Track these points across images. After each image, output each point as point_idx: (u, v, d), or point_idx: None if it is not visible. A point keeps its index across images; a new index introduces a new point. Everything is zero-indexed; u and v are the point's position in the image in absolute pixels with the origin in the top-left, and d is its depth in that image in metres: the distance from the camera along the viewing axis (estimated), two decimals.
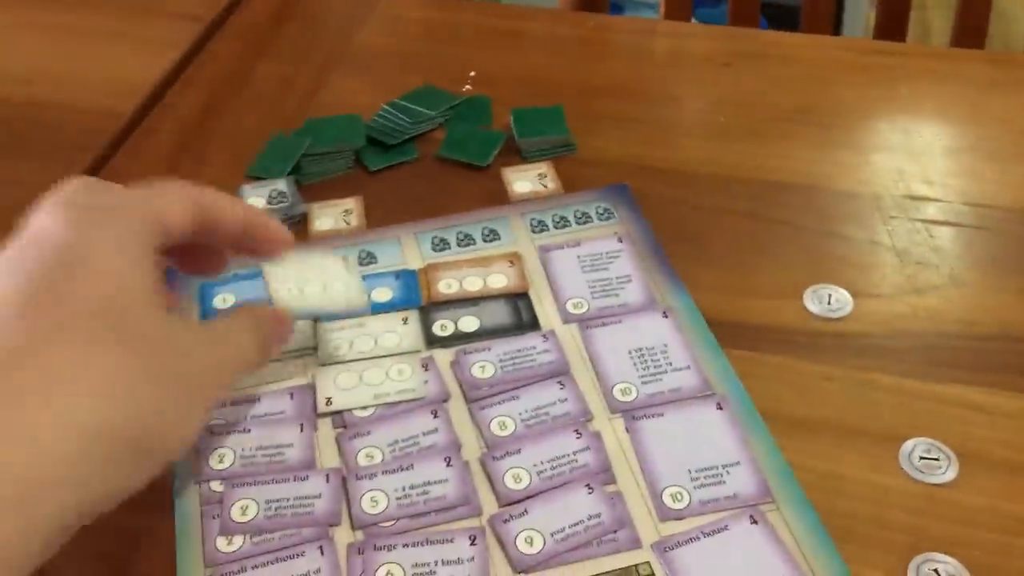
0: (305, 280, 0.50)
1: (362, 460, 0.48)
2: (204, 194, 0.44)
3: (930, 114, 0.68)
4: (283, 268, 0.49)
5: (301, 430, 0.49)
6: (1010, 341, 0.52)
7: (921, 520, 0.45)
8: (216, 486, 0.47)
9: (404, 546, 0.44)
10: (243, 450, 0.48)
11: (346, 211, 0.62)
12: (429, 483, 0.46)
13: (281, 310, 0.48)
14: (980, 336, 0.52)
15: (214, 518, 0.45)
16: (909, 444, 0.48)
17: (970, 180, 0.62)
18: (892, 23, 0.97)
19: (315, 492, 0.46)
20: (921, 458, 0.47)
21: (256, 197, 0.61)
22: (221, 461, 0.48)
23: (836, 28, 1.73)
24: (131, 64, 0.75)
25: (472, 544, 0.44)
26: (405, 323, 0.54)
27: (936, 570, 0.43)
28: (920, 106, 0.69)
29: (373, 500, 0.46)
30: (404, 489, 0.46)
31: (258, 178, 0.64)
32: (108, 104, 0.71)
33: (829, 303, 0.54)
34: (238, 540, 0.45)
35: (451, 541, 0.44)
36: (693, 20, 1.40)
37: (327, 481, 0.47)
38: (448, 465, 0.47)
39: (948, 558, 0.43)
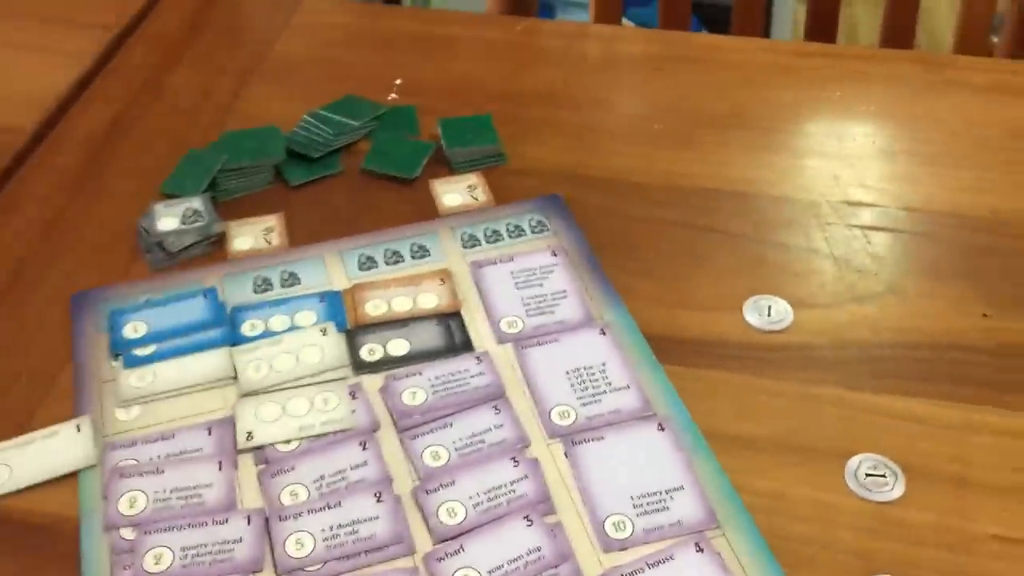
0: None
1: (286, 499, 0.45)
2: None
3: (864, 117, 0.67)
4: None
5: (220, 468, 0.46)
6: (949, 350, 0.51)
7: (870, 541, 0.43)
8: (127, 533, 0.43)
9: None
10: (156, 492, 0.45)
11: (267, 229, 0.59)
12: (358, 521, 0.43)
13: None
14: (920, 345, 0.51)
15: (125, 569, 0.42)
16: (855, 460, 0.46)
17: (906, 184, 0.61)
18: (821, 21, 0.96)
19: (235, 536, 0.43)
20: (867, 475, 0.46)
21: (170, 216, 0.58)
22: (132, 506, 0.44)
23: (766, 27, 1.73)
24: (36, 77, 0.71)
25: None
26: (324, 335, 0.51)
27: None
28: (853, 108, 0.68)
29: (299, 542, 0.43)
30: (332, 529, 0.43)
31: (172, 196, 0.60)
32: (9, 120, 0.67)
33: (769, 315, 0.53)
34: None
35: None
36: (624, 20, 1.39)
37: (248, 523, 0.44)
38: (379, 501, 0.44)
39: None
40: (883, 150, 0.64)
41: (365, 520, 0.44)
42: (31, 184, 0.63)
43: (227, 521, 0.44)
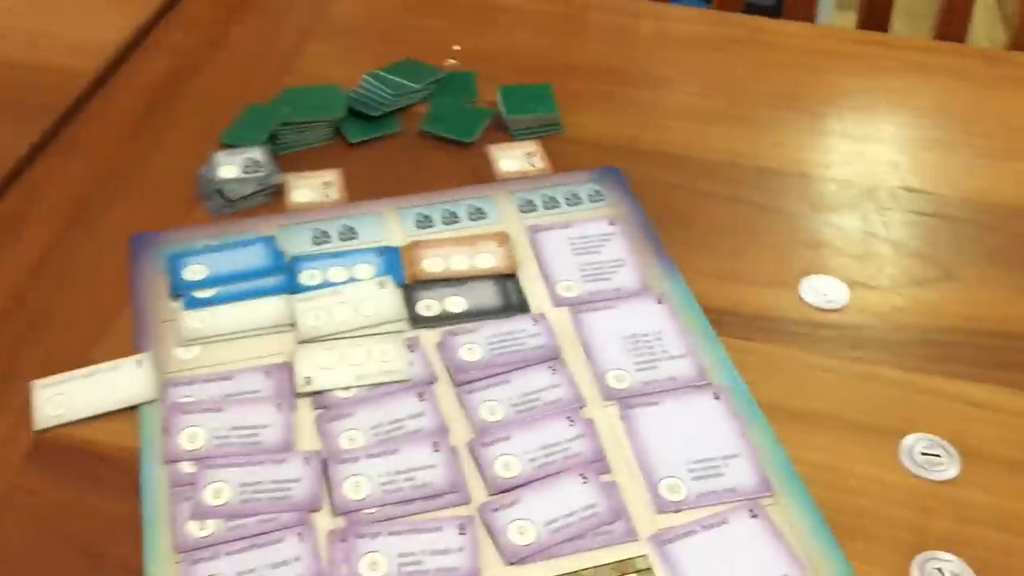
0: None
1: (343, 443, 0.45)
2: None
3: (922, 107, 0.67)
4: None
5: (278, 410, 0.46)
6: (1010, 338, 0.51)
7: (924, 517, 0.43)
8: (187, 467, 0.44)
9: (389, 534, 0.42)
10: (215, 429, 0.45)
11: (326, 183, 0.59)
12: (415, 468, 0.44)
13: None
14: (979, 332, 0.51)
15: (185, 501, 0.42)
16: (910, 439, 0.46)
17: (964, 175, 0.61)
18: (877, 12, 0.96)
19: (294, 476, 0.43)
20: (923, 454, 0.46)
21: (230, 165, 0.58)
22: (192, 441, 0.45)
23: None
24: (98, 22, 0.71)
25: (461, 533, 0.42)
26: (382, 288, 0.51)
27: (940, 569, 0.41)
28: (912, 98, 0.68)
29: (356, 485, 0.43)
30: (389, 474, 0.44)
31: (231, 146, 0.61)
32: (72, 64, 0.68)
33: (825, 293, 0.53)
34: (211, 525, 0.42)
35: (439, 530, 0.42)
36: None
37: (306, 464, 0.44)
38: (435, 450, 0.44)
39: (951, 556, 0.42)
40: (941, 140, 0.64)
41: (422, 468, 0.44)
42: (91, 128, 0.63)
43: (285, 461, 0.44)
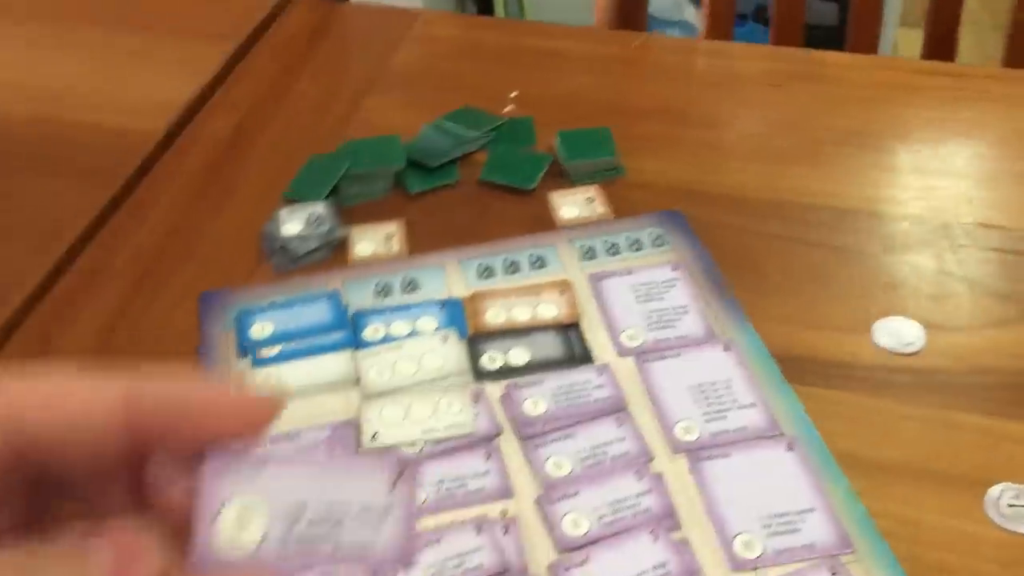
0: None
1: None
2: (13, 390, 0.25)
3: (993, 138, 0.65)
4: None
5: None
6: None
7: (1012, 572, 0.41)
8: None
9: None
10: None
11: (387, 235, 0.59)
12: (462, 554, 0.43)
13: (139, 530, 0.25)
14: None
15: None
16: (996, 490, 0.44)
17: None
18: (938, 46, 0.94)
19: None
20: (1009, 505, 0.44)
21: (294, 221, 0.59)
22: None
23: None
24: (162, 84, 0.73)
25: None
26: (445, 342, 0.51)
27: None
28: (982, 129, 0.66)
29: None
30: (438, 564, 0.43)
31: (295, 201, 0.61)
32: (138, 125, 0.69)
33: (901, 337, 0.51)
34: None
35: None
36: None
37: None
38: (479, 533, 0.43)
39: None
40: (1017, 173, 0.62)
41: (473, 550, 0.43)
42: (159, 188, 0.65)
43: None
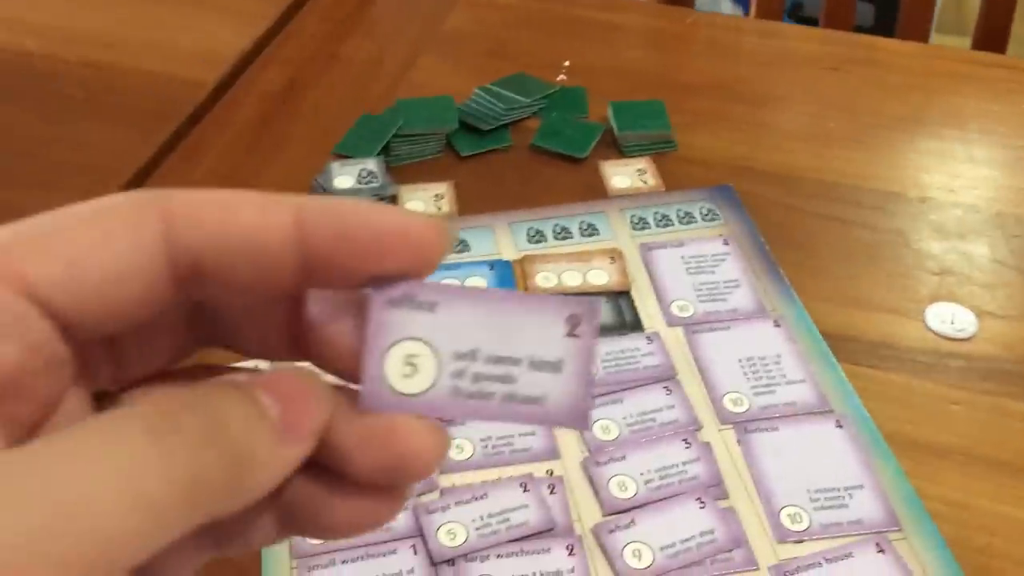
0: None
1: (453, 453, 0.45)
2: (191, 202, 0.22)
3: None
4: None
5: None
6: None
7: None
8: None
9: (498, 557, 0.41)
10: None
11: (437, 195, 0.59)
12: (508, 510, 0.43)
13: (307, 375, 0.22)
14: None
15: None
16: None
17: None
18: (990, 36, 0.93)
19: None
20: None
21: (345, 175, 0.59)
22: None
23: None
24: (215, 35, 0.73)
25: (571, 554, 0.41)
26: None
27: None
28: None
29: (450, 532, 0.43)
30: (483, 518, 0.43)
31: (346, 156, 0.61)
32: (190, 74, 0.69)
33: (952, 322, 0.51)
34: None
35: (548, 551, 0.42)
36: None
37: None
38: (525, 490, 0.43)
39: None
40: None
41: (515, 508, 0.43)
42: (212, 135, 0.65)
43: None
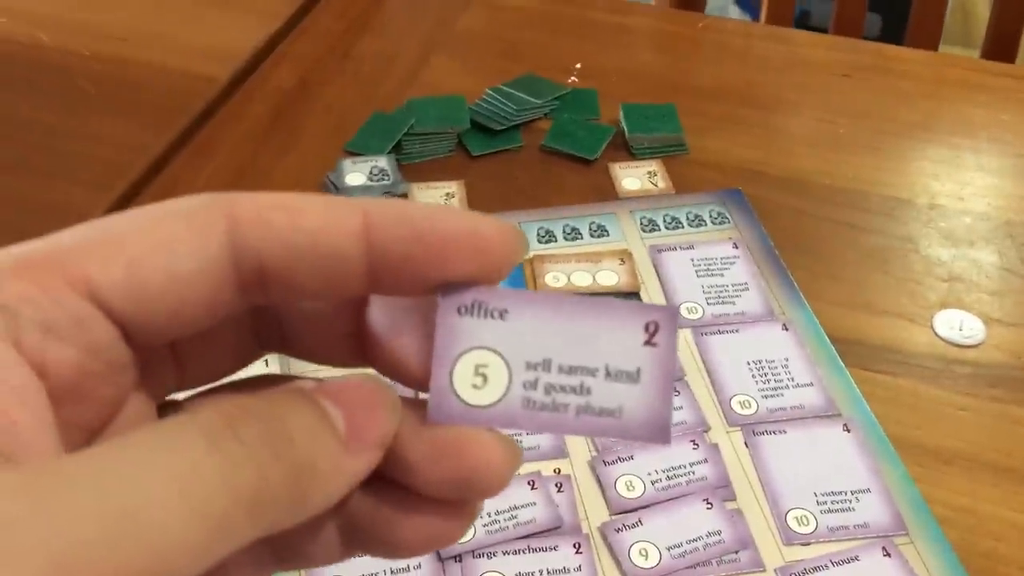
0: None
1: None
2: (255, 206, 0.21)
3: None
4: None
5: None
6: None
7: None
8: None
9: (505, 554, 0.41)
10: None
11: (448, 194, 0.59)
12: (516, 507, 0.43)
13: (374, 385, 0.21)
14: None
15: None
16: None
17: None
18: (1000, 45, 0.93)
19: None
20: None
21: (357, 172, 0.59)
22: None
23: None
24: (227, 31, 0.74)
25: (577, 553, 0.41)
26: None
27: None
28: None
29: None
30: (491, 515, 0.43)
31: (357, 154, 0.62)
32: (203, 70, 0.70)
33: (961, 329, 0.51)
34: None
35: (555, 549, 0.42)
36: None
37: None
38: (533, 488, 0.44)
39: None
40: None
41: (524, 506, 0.43)
42: (223, 131, 0.65)
43: None
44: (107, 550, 0.16)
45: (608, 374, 0.21)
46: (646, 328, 0.22)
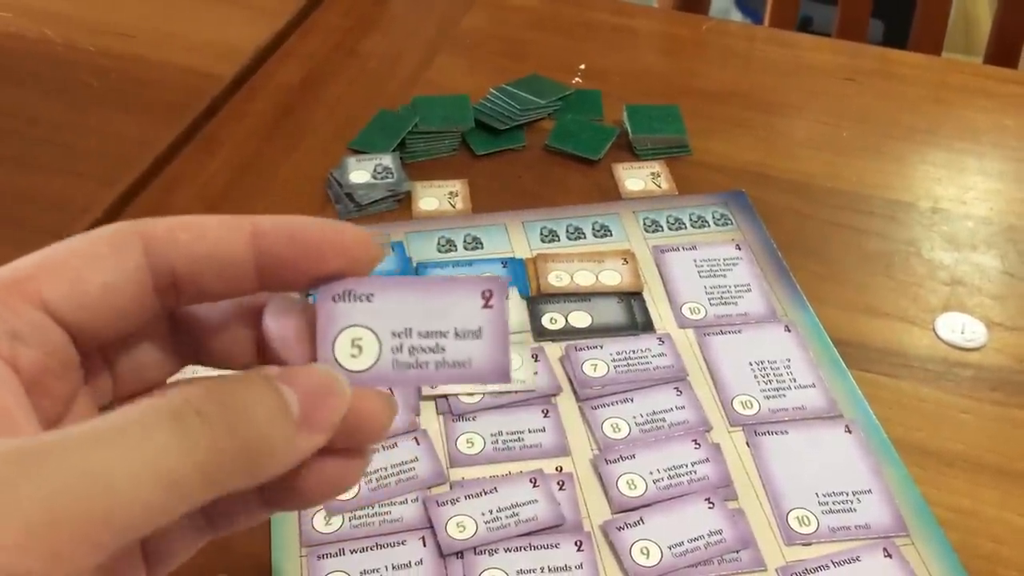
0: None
1: (462, 446, 0.45)
2: (163, 225, 0.27)
3: None
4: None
5: (404, 405, 0.46)
6: None
7: None
8: None
9: (506, 551, 0.41)
10: None
11: (451, 193, 0.59)
12: (518, 504, 0.43)
13: (329, 374, 0.26)
14: None
15: None
16: None
17: None
18: (1003, 52, 0.94)
19: (410, 456, 0.44)
20: None
21: (361, 170, 0.59)
22: None
23: None
24: (234, 28, 0.74)
25: (579, 550, 0.41)
26: (507, 298, 0.51)
27: None
28: None
29: (459, 525, 0.43)
30: (493, 512, 0.43)
31: (361, 151, 0.62)
32: (208, 66, 0.70)
33: (963, 332, 0.51)
34: (336, 521, 0.42)
35: (557, 547, 0.42)
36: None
37: (417, 445, 0.44)
38: (535, 486, 0.44)
39: None
40: None
41: (525, 503, 0.43)
42: (228, 128, 0.65)
43: (397, 445, 0.44)
44: (84, 503, 0.20)
45: (457, 334, 0.27)
46: (483, 295, 0.27)
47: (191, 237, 0.26)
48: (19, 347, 0.24)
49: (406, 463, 0.44)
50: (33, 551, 0.19)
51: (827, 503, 0.43)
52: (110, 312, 0.26)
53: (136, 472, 0.21)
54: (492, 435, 0.46)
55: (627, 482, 0.44)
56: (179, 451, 0.22)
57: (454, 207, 0.59)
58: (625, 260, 0.55)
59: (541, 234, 0.57)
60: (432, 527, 0.42)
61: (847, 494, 0.43)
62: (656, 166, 0.62)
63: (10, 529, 0.19)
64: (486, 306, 0.27)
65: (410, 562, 0.41)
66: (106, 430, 0.21)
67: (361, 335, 0.27)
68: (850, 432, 0.46)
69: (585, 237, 0.57)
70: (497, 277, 0.27)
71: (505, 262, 0.55)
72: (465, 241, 0.56)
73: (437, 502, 0.43)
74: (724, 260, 0.55)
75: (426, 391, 0.47)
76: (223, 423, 0.23)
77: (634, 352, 0.49)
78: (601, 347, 0.50)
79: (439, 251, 0.55)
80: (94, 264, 0.25)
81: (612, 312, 0.52)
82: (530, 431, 0.46)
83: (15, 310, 0.24)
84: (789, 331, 0.51)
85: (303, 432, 0.25)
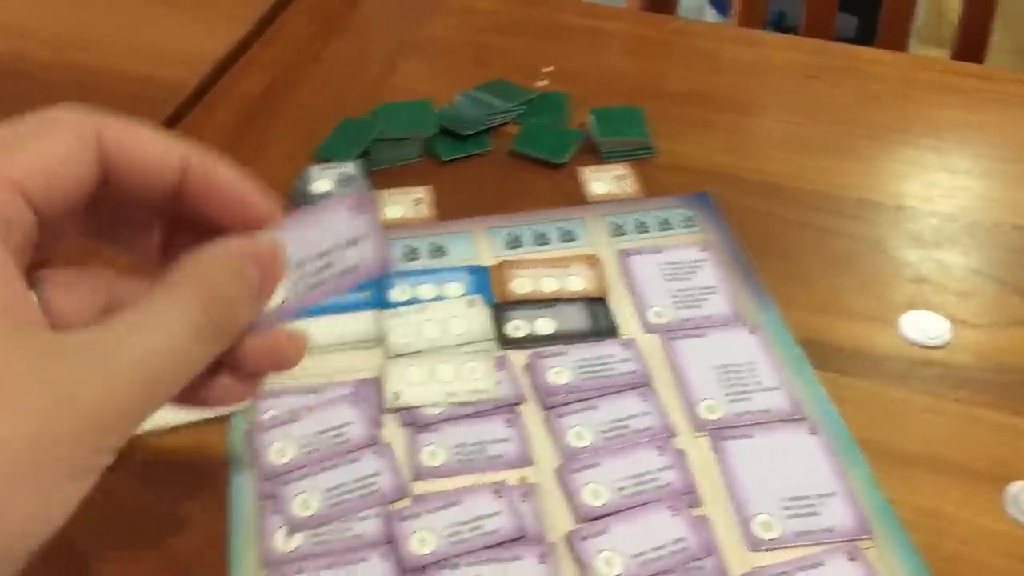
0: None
1: (425, 458, 0.45)
2: (116, 126, 0.33)
3: (1023, 142, 0.65)
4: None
5: (362, 414, 0.46)
6: None
7: None
8: (276, 481, 0.44)
9: (468, 564, 0.41)
10: (302, 438, 0.45)
11: (416, 200, 0.59)
12: (480, 517, 0.43)
13: (278, 246, 0.34)
14: None
15: (273, 515, 0.42)
16: (1015, 487, 0.44)
17: None
18: (969, 46, 0.94)
19: (373, 471, 0.43)
20: None
21: (324, 179, 0.59)
22: (281, 455, 0.45)
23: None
24: (197, 37, 0.73)
25: (542, 562, 0.41)
26: (471, 307, 0.51)
27: None
28: (1012, 132, 0.65)
29: (421, 539, 0.43)
30: (455, 526, 0.43)
31: (325, 160, 0.61)
32: (167, 75, 0.69)
33: (926, 330, 0.51)
34: (297, 539, 0.42)
35: (519, 559, 0.41)
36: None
37: (380, 457, 0.44)
38: (498, 497, 0.43)
39: None
40: None
41: (488, 516, 0.43)
42: (190, 139, 0.64)
43: (360, 459, 0.44)
44: (138, 384, 0.30)
45: (343, 246, 0.35)
46: (353, 208, 0.35)
47: (137, 143, 0.33)
48: (9, 232, 0.29)
49: (367, 477, 0.44)
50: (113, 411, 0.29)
51: (791, 507, 0.43)
52: (67, 197, 0.31)
53: (155, 351, 0.30)
54: (455, 446, 0.45)
55: (591, 491, 0.43)
56: (186, 328, 0.31)
57: (419, 214, 0.58)
58: (590, 265, 0.54)
59: (506, 240, 0.56)
60: (393, 542, 0.41)
61: (811, 497, 0.43)
62: (622, 169, 0.62)
63: (96, 397, 0.28)
64: (358, 215, 0.34)
65: None
66: (131, 323, 0.30)
67: None
68: (815, 434, 0.46)
69: (550, 242, 0.56)
70: (357, 192, 0.36)
71: (470, 269, 0.54)
72: (430, 249, 0.56)
73: (400, 516, 0.42)
74: (689, 263, 0.55)
75: (389, 402, 0.47)
76: (213, 304, 0.31)
77: (598, 358, 0.49)
78: (565, 354, 0.49)
79: (404, 259, 0.55)
80: (64, 157, 0.31)
81: (577, 318, 0.52)
82: (494, 441, 0.46)
83: (3, 198, 0.30)
84: (754, 333, 0.51)
85: (259, 298, 0.33)
